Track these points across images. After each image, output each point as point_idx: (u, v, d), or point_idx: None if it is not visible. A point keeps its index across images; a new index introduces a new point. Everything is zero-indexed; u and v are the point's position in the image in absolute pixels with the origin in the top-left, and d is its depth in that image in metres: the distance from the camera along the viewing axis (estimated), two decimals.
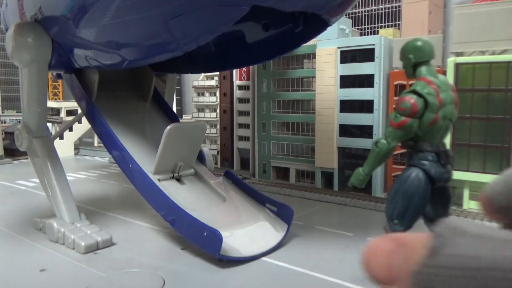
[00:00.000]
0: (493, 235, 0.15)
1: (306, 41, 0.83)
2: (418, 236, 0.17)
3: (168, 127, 0.85)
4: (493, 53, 1.02)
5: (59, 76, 1.15)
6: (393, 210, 0.46)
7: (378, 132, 1.25)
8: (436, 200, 0.48)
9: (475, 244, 0.15)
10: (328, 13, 0.69)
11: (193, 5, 0.58)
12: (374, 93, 1.22)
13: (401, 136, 0.45)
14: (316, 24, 0.76)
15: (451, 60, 1.04)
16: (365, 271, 0.18)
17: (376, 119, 1.23)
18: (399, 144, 0.47)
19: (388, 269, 0.18)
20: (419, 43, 0.47)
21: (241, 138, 1.63)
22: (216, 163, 1.66)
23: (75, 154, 2.13)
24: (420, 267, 0.16)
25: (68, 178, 0.91)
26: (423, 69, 0.45)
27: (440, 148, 0.43)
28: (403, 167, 0.49)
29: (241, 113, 1.62)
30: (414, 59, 0.45)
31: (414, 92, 0.44)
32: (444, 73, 1.08)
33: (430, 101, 0.42)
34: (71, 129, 2.02)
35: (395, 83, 1.22)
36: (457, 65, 1.03)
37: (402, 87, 1.19)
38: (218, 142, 1.70)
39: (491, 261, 0.14)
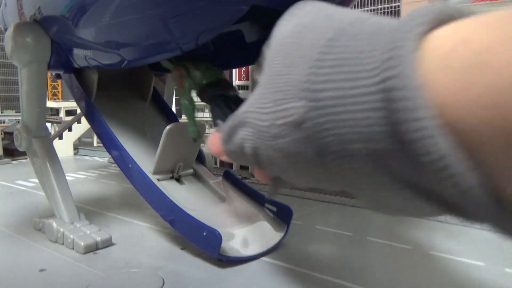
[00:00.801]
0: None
1: None
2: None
3: (168, 127, 0.84)
4: None
5: (58, 76, 1.15)
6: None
7: None
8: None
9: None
10: None
11: (192, 4, 0.58)
12: None
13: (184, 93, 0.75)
14: None
15: None
16: (210, 151, 0.37)
17: None
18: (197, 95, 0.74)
19: (218, 148, 0.36)
20: None
21: None
22: (215, 163, 1.66)
23: (75, 154, 2.13)
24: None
25: (67, 178, 0.91)
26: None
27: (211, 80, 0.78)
28: None
29: None
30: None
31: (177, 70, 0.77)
32: None
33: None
34: (70, 129, 2.02)
35: None
36: None
37: None
38: None
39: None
